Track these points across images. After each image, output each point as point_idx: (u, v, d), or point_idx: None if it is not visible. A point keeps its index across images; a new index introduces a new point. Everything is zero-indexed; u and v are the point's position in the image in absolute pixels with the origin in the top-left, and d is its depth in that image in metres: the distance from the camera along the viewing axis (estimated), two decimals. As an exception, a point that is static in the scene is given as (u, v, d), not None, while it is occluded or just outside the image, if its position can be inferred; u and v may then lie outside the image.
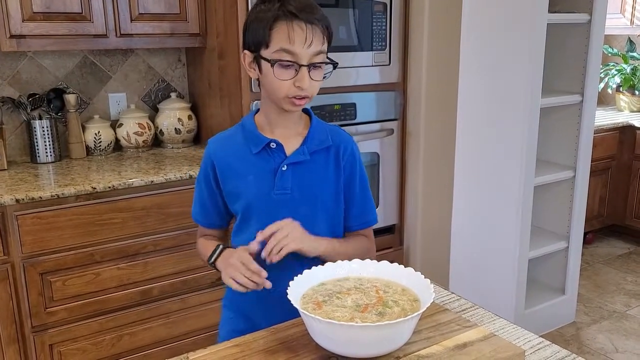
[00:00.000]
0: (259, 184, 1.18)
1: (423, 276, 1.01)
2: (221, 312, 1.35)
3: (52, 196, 1.97)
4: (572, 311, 2.85)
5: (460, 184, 2.71)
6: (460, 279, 2.80)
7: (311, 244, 1.15)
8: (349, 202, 1.26)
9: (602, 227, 3.87)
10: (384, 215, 2.72)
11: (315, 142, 1.20)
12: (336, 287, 1.02)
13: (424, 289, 0.98)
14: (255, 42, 1.13)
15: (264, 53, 1.11)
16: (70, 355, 2.12)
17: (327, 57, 1.15)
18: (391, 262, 1.08)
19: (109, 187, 2.06)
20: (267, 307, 1.17)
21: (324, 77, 1.17)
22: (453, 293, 1.19)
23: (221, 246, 1.20)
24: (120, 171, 2.23)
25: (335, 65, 1.15)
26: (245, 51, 1.16)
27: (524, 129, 2.40)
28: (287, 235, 1.11)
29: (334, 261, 1.10)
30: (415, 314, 0.88)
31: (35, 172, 2.26)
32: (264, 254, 1.10)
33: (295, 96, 1.12)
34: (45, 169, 2.31)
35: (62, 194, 1.99)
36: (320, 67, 1.13)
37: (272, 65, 1.10)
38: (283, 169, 1.17)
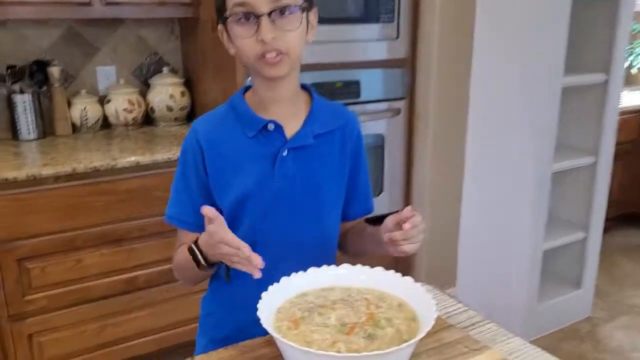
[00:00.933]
0: (256, 173, 1.02)
1: (424, 288, 0.84)
2: (200, 314, 1.19)
3: (28, 177, 1.82)
4: (588, 306, 2.68)
5: (472, 169, 2.53)
6: (469, 271, 2.64)
7: None
8: (352, 188, 1.12)
9: (619, 215, 3.66)
10: (389, 203, 2.55)
11: (318, 124, 1.05)
12: (319, 300, 0.86)
13: (424, 305, 0.82)
14: (217, 10, 0.99)
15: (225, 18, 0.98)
16: (50, 346, 2.00)
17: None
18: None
19: (91, 168, 1.90)
20: None
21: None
22: (460, 303, 1.03)
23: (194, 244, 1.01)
24: (106, 151, 2.08)
25: (303, 8, 0.96)
26: (218, 26, 1.01)
27: (543, 111, 2.20)
28: (418, 234, 0.92)
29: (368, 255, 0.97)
30: (411, 341, 0.71)
31: (15, 150, 2.11)
32: (398, 236, 0.89)
33: (264, 53, 0.94)
34: (26, 147, 2.16)
35: (40, 174, 1.83)
36: (291, 13, 0.95)
37: (227, 25, 0.97)
38: (283, 154, 1.02)
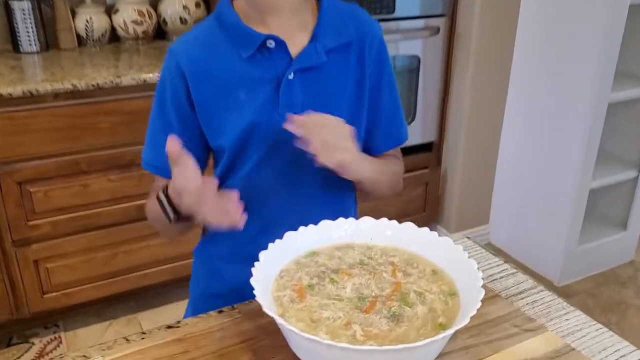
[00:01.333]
0: (256, 104, 0.82)
1: (467, 254, 0.66)
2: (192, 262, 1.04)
3: (24, 93, 1.65)
4: (632, 249, 2.49)
5: (516, 96, 2.28)
6: (505, 208, 2.44)
7: (360, 161, 0.81)
8: (375, 115, 0.90)
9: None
10: (422, 130, 2.33)
11: (330, 35, 0.83)
12: (333, 262, 0.69)
13: (466, 275, 0.63)
14: None
15: None
16: (58, 272, 1.91)
17: None
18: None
19: (93, 86, 1.72)
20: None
21: None
22: (506, 263, 0.85)
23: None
24: (111, 67, 1.89)
25: None
26: None
27: (605, 32, 1.91)
28: (336, 139, 0.76)
29: (371, 192, 0.84)
30: (449, 332, 0.54)
31: (15, 63, 1.93)
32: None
33: None
34: (27, 60, 1.98)
35: (37, 91, 1.66)
36: None
37: None
38: (289, 77, 0.81)
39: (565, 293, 2.24)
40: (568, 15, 2.01)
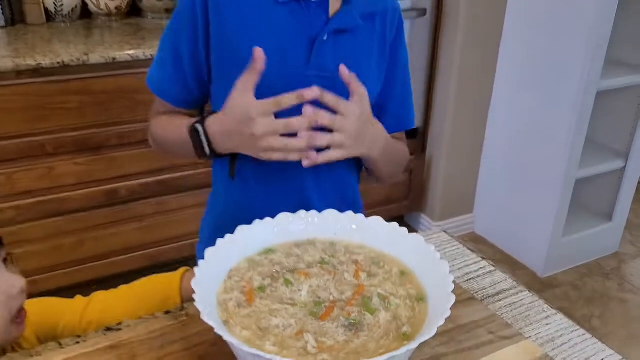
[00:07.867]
0: (284, 55, 0.75)
1: (439, 254, 0.59)
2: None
3: (-17, 70, 1.55)
4: (617, 241, 2.45)
5: (503, 81, 2.21)
6: (489, 197, 2.39)
7: (371, 145, 0.76)
8: (388, 91, 0.85)
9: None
10: (406, 116, 2.26)
11: (362, 1, 0.78)
12: (290, 260, 0.62)
13: (437, 278, 0.57)
14: None
15: None
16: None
17: None
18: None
19: (58, 63, 1.63)
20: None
21: None
22: (484, 260, 0.78)
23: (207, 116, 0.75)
24: (79, 44, 1.79)
25: None
26: None
27: (595, 17, 1.84)
28: (348, 131, 0.70)
29: (376, 169, 0.81)
30: (412, 345, 0.47)
31: (-23, 38, 1.83)
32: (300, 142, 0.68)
33: None
34: (-9, 36, 1.87)
35: (-3, 67, 1.57)
36: None
37: None
38: (324, 38, 0.75)
39: (549, 284, 2.20)
40: (558, 0, 1.94)
